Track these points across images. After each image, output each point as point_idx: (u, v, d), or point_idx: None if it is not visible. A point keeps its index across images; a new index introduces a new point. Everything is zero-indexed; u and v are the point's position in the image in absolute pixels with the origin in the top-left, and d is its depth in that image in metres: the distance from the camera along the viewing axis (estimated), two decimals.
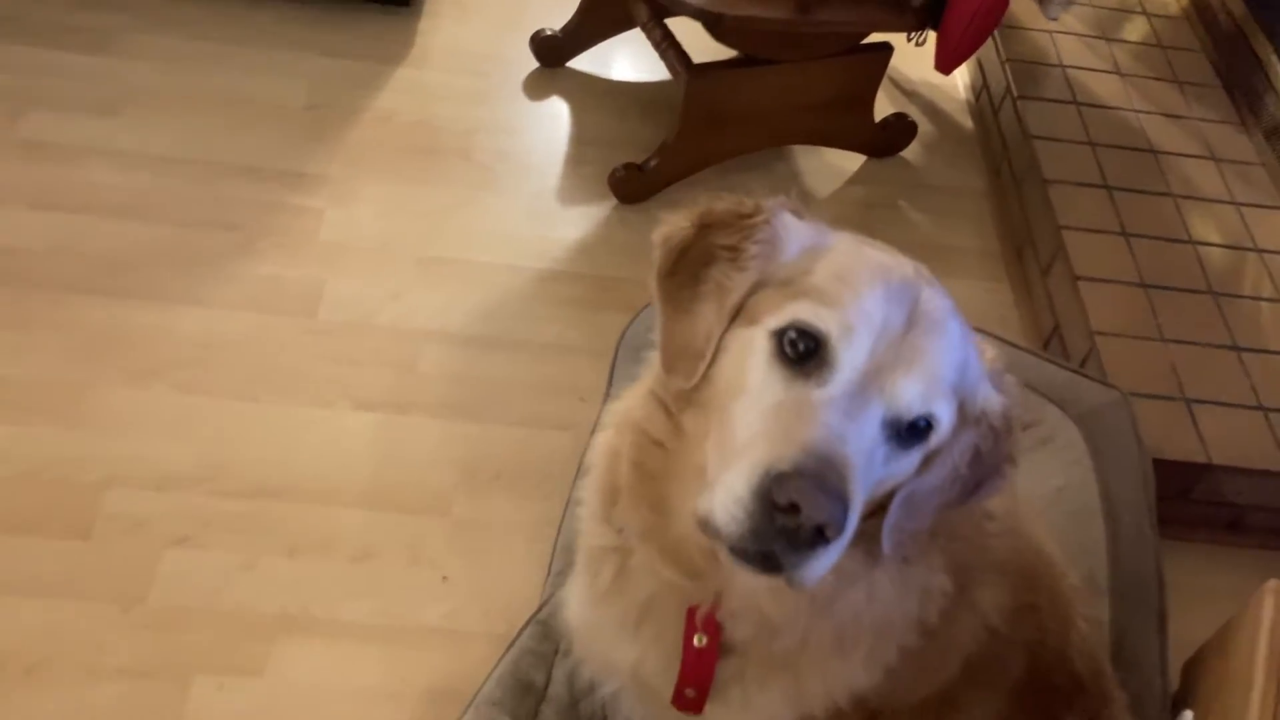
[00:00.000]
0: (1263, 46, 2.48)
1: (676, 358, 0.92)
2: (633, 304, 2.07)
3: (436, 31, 2.58)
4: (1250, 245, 2.19)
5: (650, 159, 2.25)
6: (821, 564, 0.81)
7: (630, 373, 1.56)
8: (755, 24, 1.99)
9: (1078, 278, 2.05)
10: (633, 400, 1.04)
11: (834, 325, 0.84)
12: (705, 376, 0.91)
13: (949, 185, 2.46)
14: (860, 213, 2.37)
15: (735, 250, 0.91)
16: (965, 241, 2.35)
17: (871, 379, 0.84)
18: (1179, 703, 1.61)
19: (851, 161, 2.46)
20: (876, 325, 0.85)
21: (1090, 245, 2.12)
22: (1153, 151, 2.35)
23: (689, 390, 0.92)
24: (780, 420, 0.83)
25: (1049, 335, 2.13)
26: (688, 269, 0.92)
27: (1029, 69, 2.49)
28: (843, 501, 0.78)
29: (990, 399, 0.92)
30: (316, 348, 1.94)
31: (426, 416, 1.88)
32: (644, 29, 2.27)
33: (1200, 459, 1.81)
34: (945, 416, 0.87)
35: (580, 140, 2.41)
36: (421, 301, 2.04)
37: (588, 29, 2.51)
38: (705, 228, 0.93)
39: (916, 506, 0.92)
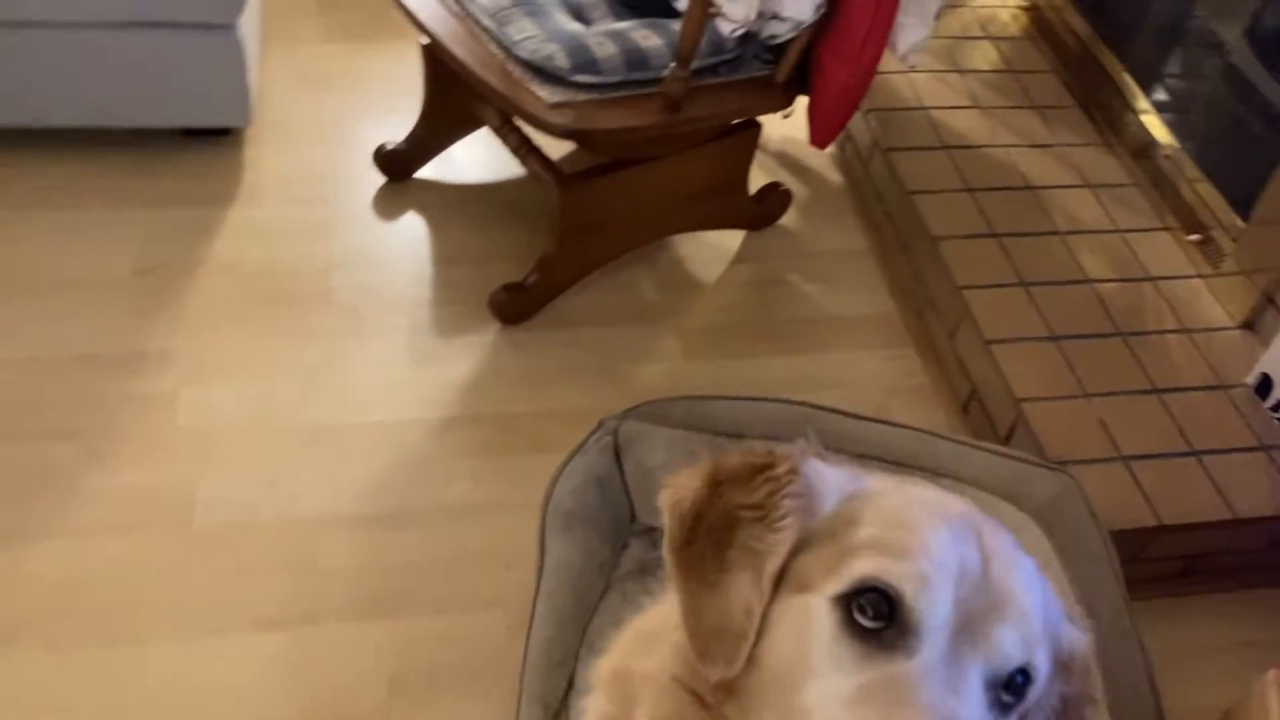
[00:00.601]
0: (1111, 63, 2.48)
1: (710, 641, 0.79)
2: (541, 442, 1.94)
3: (264, 160, 2.36)
4: (1143, 274, 2.18)
5: (530, 275, 2.09)
6: None
7: (560, 549, 1.43)
8: (626, 133, 1.86)
9: (989, 342, 1.99)
10: (638, 675, 0.90)
11: (908, 579, 0.73)
12: (749, 661, 0.78)
13: (832, 249, 2.38)
14: (752, 293, 2.26)
15: (764, 509, 0.80)
16: (862, 309, 2.27)
17: (963, 636, 0.73)
18: None
19: (732, 239, 2.36)
20: (954, 570, 0.74)
21: (993, 303, 2.06)
22: (1030, 188, 2.32)
23: (730, 679, 0.78)
24: (874, 711, 0.70)
25: (966, 400, 2.07)
26: (708, 536, 0.80)
27: (891, 117, 2.43)
28: None
29: (1074, 639, 0.82)
30: (199, 564, 1.72)
31: (339, 623, 1.68)
32: (497, 134, 2.11)
33: (1151, 522, 1.76)
34: (1043, 665, 0.77)
35: (447, 260, 2.23)
36: (306, 484, 1.83)
37: (434, 136, 2.33)
38: (718, 485, 0.82)
39: None
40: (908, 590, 0.73)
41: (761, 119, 2.18)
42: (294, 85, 2.54)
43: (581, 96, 1.87)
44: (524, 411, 1.98)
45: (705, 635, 0.79)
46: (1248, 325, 2.08)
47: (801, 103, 2.10)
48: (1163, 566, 1.85)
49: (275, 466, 1.85)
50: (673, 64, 1.84)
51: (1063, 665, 0.80)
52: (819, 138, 2.07)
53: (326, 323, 2.08)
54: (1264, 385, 1.95)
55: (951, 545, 0.75)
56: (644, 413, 1.46)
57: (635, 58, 1.89)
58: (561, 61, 1.88)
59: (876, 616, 0.73)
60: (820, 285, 2.31)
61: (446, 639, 1.67)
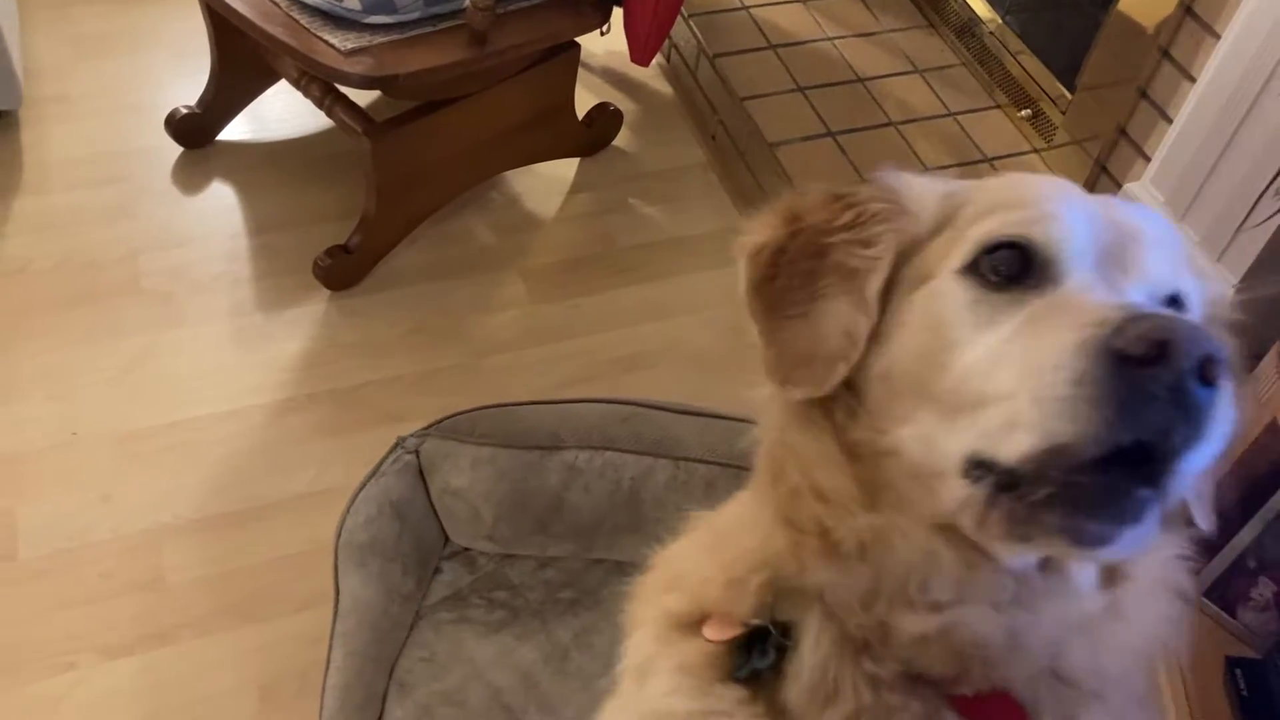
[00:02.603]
0: None
1: (797, 368, 0.71)
2: (390, 411, 1.84)
3: (45, 142, 2.14)
4: (980, 156, 2.16)
5: (353, 236, 1.96)
6: (1215, 442, 0.57)
7: (354, 586, 1.32)
8: (433, 74, 1.73)
9: None
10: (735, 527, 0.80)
11: (1035, 225, 0.65)
12: (867, 374, 0.70)
13: (671, 167, 2.30)
14: (594, 223, 2.17)
15: (855, 228, 0.71)
16: (707, 225, 2.20)
17: (1109, 263, 0.65)
18: None
19: (566, 168, 2.25)
20: (1080, 210, 0.67)
21: None
22: (861, 80, 2.27)
23: (848, 402, 0.71)
24: (1052, 319, 0.61)
25: None
26: (793, 266, 0.72)
27: (714, 20, 2.35)
28: (1207, 330, 0.58)
29: (1215, 286, 0.75)
30: (30, 599, 1.58)
31: (196, 637, 1.57)
32: (297, 86, 1.95)
33: None
34: (1194, 294, 0.69)
35: (263, 228, 2.08)
36: (140, 494, 1.70)
37: (229, 95, 2.15)
38: (799, 219, 0.73)
39: None
40: (1038, 232, 0.65)
41: (580, 38, 2.07)
42: (67, 53, 2.31)
43: (379, 39, 1.74)
44: (366, 382, 1.87)
45: (792, 362, 0.71)
46: None
47: (619, 16, 2.00)
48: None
49: (103, 481, 1.70)
50: None
51: (1211, 312, 0.73)
52: (639, 54, 1.98)
53: (138, 315, 1.91)
54: None
55: (1066, 193, 0.69)
56: (446, 429, 1.34)
57: None
58: (353, 3, 1.73)
59: (1011, 274, 0.65)
60: (662, 206, 2.23)
61: (314, 637, 1.57)
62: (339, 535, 1.32)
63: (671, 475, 1.34)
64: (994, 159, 2.16)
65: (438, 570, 1.36)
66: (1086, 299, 0.62)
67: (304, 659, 1.54)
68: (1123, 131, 1.96)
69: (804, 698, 0.72)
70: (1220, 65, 1.69)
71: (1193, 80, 1.78)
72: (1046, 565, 0.66)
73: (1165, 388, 0.55)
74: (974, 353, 0.64)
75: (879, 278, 0.70)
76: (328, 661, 1.27)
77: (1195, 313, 0.69)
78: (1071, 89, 2.08)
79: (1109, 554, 0.61)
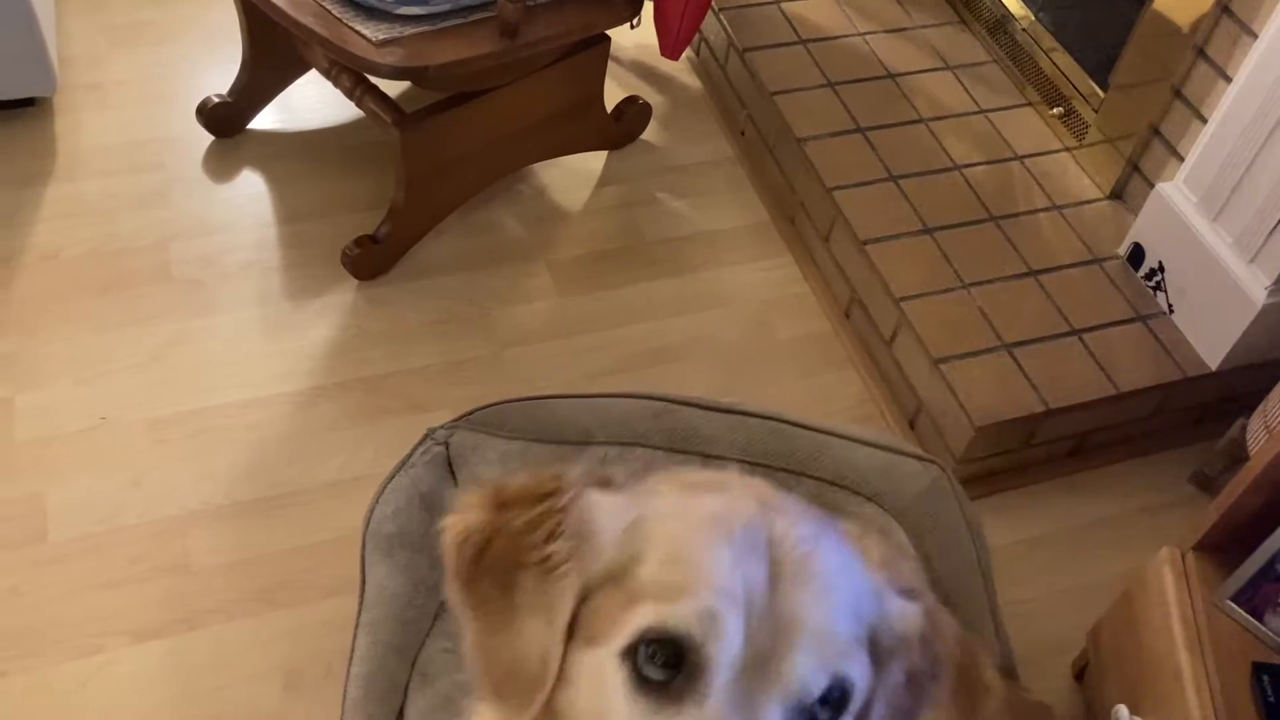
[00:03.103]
0: None
1: (504, 683, 0.76)
2: (416, 401, 1.85)
3: (80, 129, 2.16)
4: (1010, 154, 2.15)
5: (382, 226, 1.97)
6: None
7: (381, 576, 1.33)
8: (463, 65, 1.73)
9: (864, 243, 1.94)
10: None
11: (690, 620, 0.69)
12: (556, 708, 0.75)
13: (699, 161, 2.30)
14: (621, 216, 2.17)
15: (544, 555, 0.76)
16: (734, 220, 2.20)
17: (754, 670, 0.69)
18: (1086, 674, 1.58)
19: (594, 161, 2.25)
20: (740, 598, 0.70)
21: (865, 202, 2.01)
22: (891, 76, 2.26)
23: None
24: None
25: (847, 305, 2.03)
26: (493, 575, 0.77)
27: (744, 14, 2.34)
28: None
29: (904, 613, 0.78)
30: (60, 582, 1.60)
31: (222, 622, 1.59)
32: (328, 77, 1.96)
33: (1038, 408, 1.76)
34: (858, 674, 0.73)
35: (293, 217, 2.09)
36: (168, 479, 1.71)
37: (260, 85, 2.16)
38: (501, 509, 0.78)
39: None
40: (693, 631, 0.69)
41: (610, 31, 2.06)
42: (102, 42, 2.33)
43: (410, 30, 1.74)
44: (393, 371, 1.88)
45: (498, 678, 0.76)
46: (1116, 195, 2.07)
47: (649, 10, 2.00)
48: (1053, 448, 1.86)
49: (133, 466, 1.72)
50: None
51: (896, 649, 0.77)
52: (669, 48, 1.98)
53: (169, 302, 1.93)
54: (1136, 255, 1.95)
55: (735, 570, 0.71)
56: (476, 421, 1.35)
57: None
58: None
59: (667, 663, 0.70)
60: (690, 200, 2.23)
61: (339, 624, 1.58)
62: (367, 525, 1.33)
63: None
64: (1024, 156, 2.14)
65: None
66: None
67: (329, 646, 1.55)
68: (1156, 130, 1.94)
69: None
70: (1257, 64, 1.67)
71: (1228, 79, 1.76)
72: None
73: None
74: None
75: (565, 615, 0.74)
76: (352, 649, 1.28)
77: (861, 688, 0.73)
78: (1104, 87, 2.06)
79: None
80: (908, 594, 0.80)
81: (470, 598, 0.77)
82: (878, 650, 0.76)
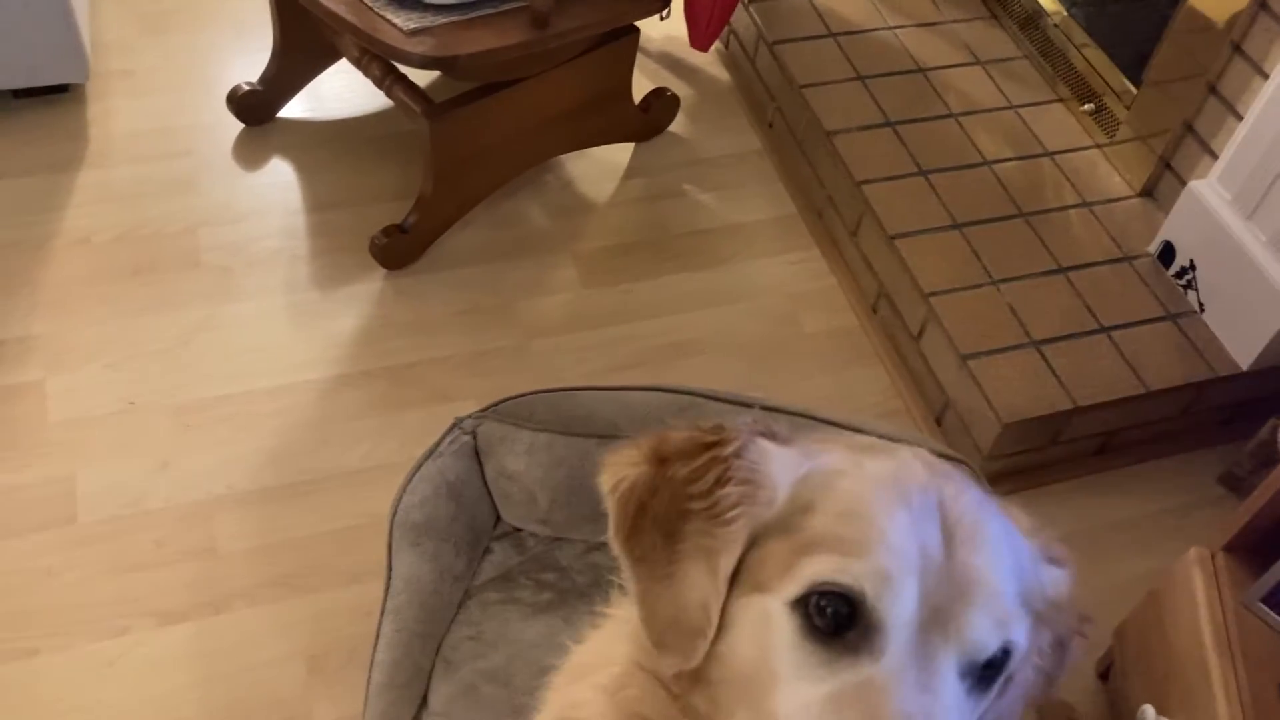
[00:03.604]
0: None
1: (666, 633, 0.75)
2: (441, 391, 1.85)
3: (112, 115, 2.18)
4: (1040, 150, 2.13)
5: (409, 216, 1.98)
6: None
7: (408, 564, 1.33)
8: (493, 55, 1.73)
9: (892, 237, 1.94)
10: (606, 662, 0.85)
11: (867, 578, 0.69)
12: (713, 654, 0.74)
13: (726, 153, 2.29)
14: (648, 209, 2.17)
15: (712, 501, 0.74)
16: (761, 213, 2.20)
17: (931, 628, 0.69)
18: (1111, 674, 1.57)
19: (621, 153, 2.25)
20: (915, 561, 0.70)
21: (893, 196, 2.00)
22: (921, 70, 2.25)
23: (697, 669, 0.75)
24: (844, 715, 0.67)
25: (876, 300, 2.02)
26: (656, 526, 0.75)
27: (774, 7, 2.33)
28: None
29: (1055, 581, 0.79)
30: (89, 562, 1.61)
31: (247, 607, 1.60)
32: (358, 65, 1.96)
33: (1065, 405, 1.75)
34: (1022, 638, 0.73)
35: (321, 205, 2.10)
36: (195, 464, 1.73)
37: (290, 73, 2.17)
38: (662, 464, 0.76)
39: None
40: (868, 589, 0.68)
41: (639, 23, 2.06)
42: (134, 29, 2.34)
43: (441, 20, 1.74)
44: (419, 360, 1.89)
45: (661, 627, 0.75)
46: (1147, 193, 2.05)
47: (679, 1, 2.00)
48: (1081, 446, 1.85)
49: (161, 449, 1.73)
50: None
51: (1049, 609, 0.78)
52: (699, 39, 1.98)
53: (196, 286, 1.94)
54: (1166, 253, 1.93)
55: (911, 532, 0.70)
56: (504, 412, 1.35)
57: None
58: None
59: (837, 618, 0.69)
60: (717, 193, 2.22)
61: (364, 610, 1.59)
62: (394, 513, 1.33)
63: None
64: (1055, 153, 2.12)
65: (488, 550, 1.37)
66: (886, 706, 0.66)
67: (352, 631, 1.56)
68: (1189, 127, 1.92)
69: None
70: None
71: (1265, 76, 1.74)
72: None
73: None
74: (788, 702, 0.69)
75: (730, 559, 0.73)
76: (377, 635, 1.29)
77: (1020, 652, 0.73)
78: (1137, 83, 2.04)
79: None
80: (1055, 561, 0.81)
81: (634, 550, 0.76)
82: (1031, 615, 0.76)
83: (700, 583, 0.73)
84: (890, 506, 0.72)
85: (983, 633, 0.69)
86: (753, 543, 0.74)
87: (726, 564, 0.73)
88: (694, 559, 0.74)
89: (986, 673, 0.71)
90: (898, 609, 0.68)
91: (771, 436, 0.78)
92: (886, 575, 0.68)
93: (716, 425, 0.77)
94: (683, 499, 0.75)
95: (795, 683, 0.69)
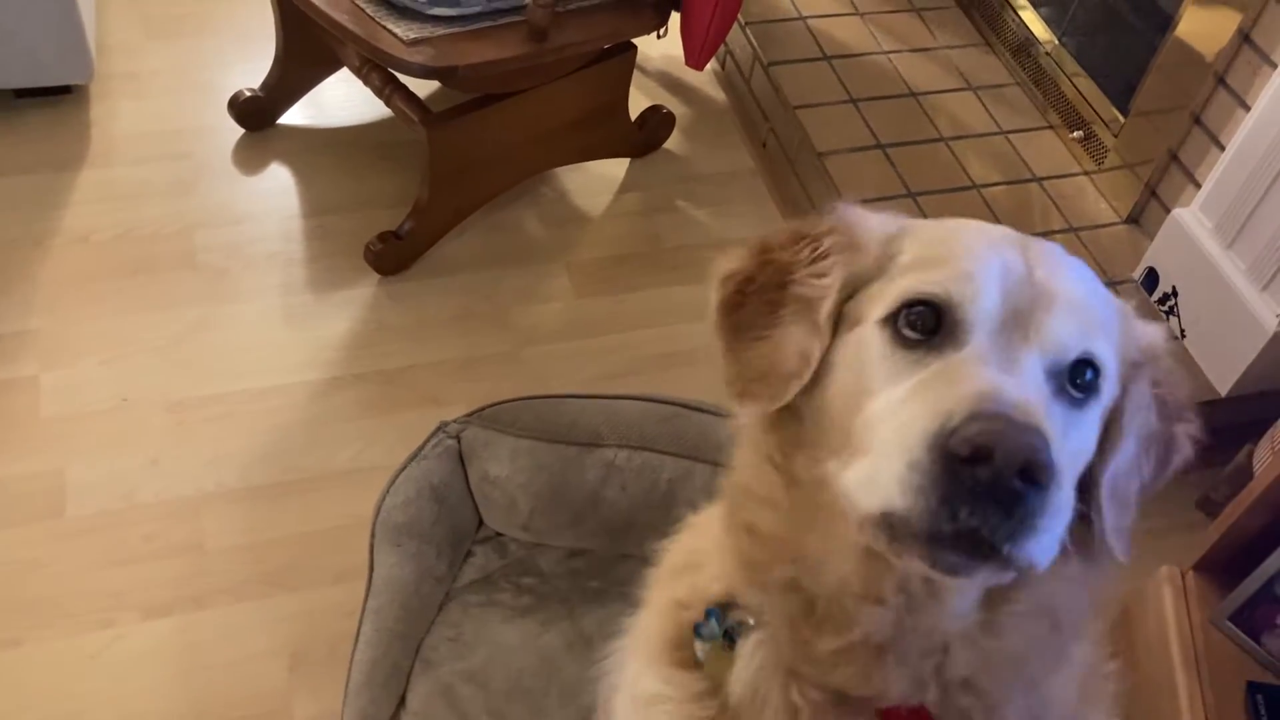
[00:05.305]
0: None
1: (755, 383, 0.79)
2: (432, 395, 1.87)
3: (114, 116, 2.20)
4: (1029, 175, 2.17)
5: (405, 223, 2.00)
6: (1045, 533, 0.65)
7: (389, 565, 1.35)
8: (492, 67, 1.76)
9: None
10: (700, 561, 0.90)
11: (949, 283, 0.72)
12: (811, 403, 0.77)
13: (720, 171, 2.32)
14: (642, 222, 2.20)
15: (812, 260, 0.79)
16: (753, 230, 2.20)
17: (1013, 326, 0.71)
18: None
19: (616, 168, 2.28)
20: (996, 270, 0.72)
21: None
22: (913, 94, 2.28)
23: (797, 432, 0.78)
24: (929, 390, 0.69)
25: None
26: (759, 295, 0.80)
27: (770, 29, 2.37)
28: (1042, 435, 0.64)
29: (1148, 332, 0.80)
30: (76, 555, 1.63)
31: (232, 603, 1.61)
32: (358, 75, 1.99)
33: None
34: (1108, 357, 0.74)
35: (317, 210, 2.12)
36: (185, 461, 1.75)
37: (292, 80, 2.20)
38: (768, 252, 0.81)
39: (1123, 493, 0.78)
40: (951, 291, 0.71)
41: (637, 40, 2.10)
42: (138, 32, 2.37)
43: (441, 31, 1.78)
44: (411, 365, 1.91)
45: (750, 377, 0.79)
46: (1133, 219, 2.09)
47: (676, 20, 2.03)
48: None
49: (152, 446, 1.75)
50: None
51: (1141, 364, 0.78)
52: (695, 58, 2.01)
53: (193, 288, 1.96)
54: (1150, 279, 1.96)
55: (992, 250, 0.73)
56: (489, 418, 1.37)
57: None
58: None
59: (924, 329, 0.72)
60: (710, 209, 2.25)
61: (346, 610, 1.60)
62: (377, 514, 1.35)
63: (710, 479, 1.36)
64: (1043, 179, 2.16)
65: (469, 553, 1.39)
66: (967, 376, 0.67)
67: (335, 630, 1.58)
68: (1174, 156, 1.95)
69: (741, 707, 0.83)
70: (1277, 93, 1.68)
71: (1248, 108, 1.77)
72: (928, 582, 0.74)
73: (987, 486, 0.62)
74: (876, 404, 0.71)
75: (829, 304, 0.77)
76: (357, 635, 1.30)
77: (1111, 378, 0.75)
78: (1125, 112, 2.08)
79: (972, 580, 0.71)
80: (1148, 320, 0.82)
81: (732, 320, 0.80)
82: (1125, 363, 0.77)
83: (799, 334, 0.77)
84: (972, 235, 0.76)
85: (1064, 334, 0.71)
86: (849, 293, 0.77)
87: (826, 307, 0.76)
88: (794, 318, 0.77)
89: (1076, 390, 0.72)
90: (979, 305, 0.70)
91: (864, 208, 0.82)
92: (968, 275, 0.71)
93: (815, 220, 0.81)
94: (786, 270, 0.79)
95: (887, 387, 0.71)
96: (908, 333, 0.72)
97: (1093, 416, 0.74)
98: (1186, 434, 0.81)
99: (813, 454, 0.76)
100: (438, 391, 1.87)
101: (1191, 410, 0.81)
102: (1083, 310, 0.73)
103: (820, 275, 0.77)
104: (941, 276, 0.72)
